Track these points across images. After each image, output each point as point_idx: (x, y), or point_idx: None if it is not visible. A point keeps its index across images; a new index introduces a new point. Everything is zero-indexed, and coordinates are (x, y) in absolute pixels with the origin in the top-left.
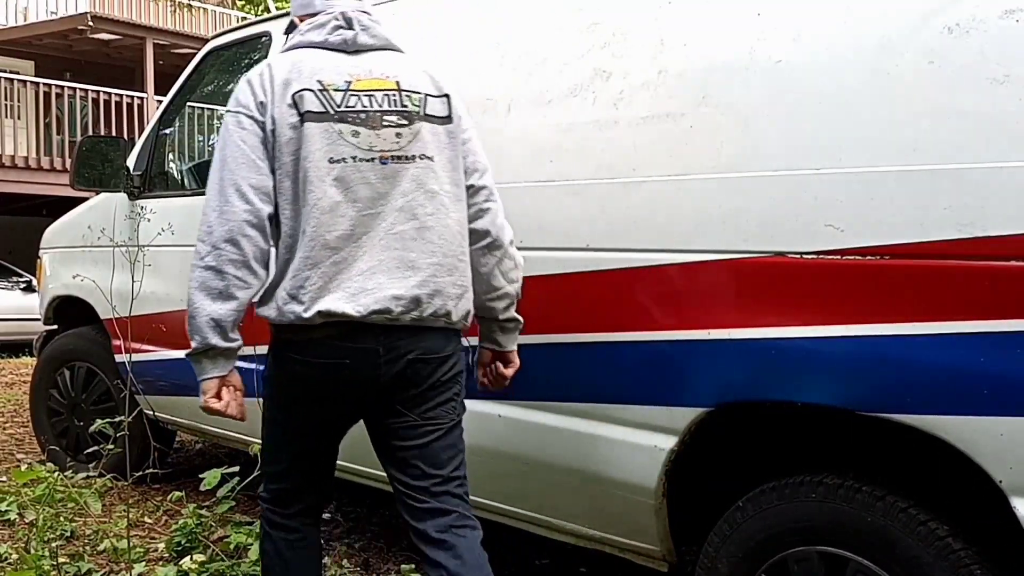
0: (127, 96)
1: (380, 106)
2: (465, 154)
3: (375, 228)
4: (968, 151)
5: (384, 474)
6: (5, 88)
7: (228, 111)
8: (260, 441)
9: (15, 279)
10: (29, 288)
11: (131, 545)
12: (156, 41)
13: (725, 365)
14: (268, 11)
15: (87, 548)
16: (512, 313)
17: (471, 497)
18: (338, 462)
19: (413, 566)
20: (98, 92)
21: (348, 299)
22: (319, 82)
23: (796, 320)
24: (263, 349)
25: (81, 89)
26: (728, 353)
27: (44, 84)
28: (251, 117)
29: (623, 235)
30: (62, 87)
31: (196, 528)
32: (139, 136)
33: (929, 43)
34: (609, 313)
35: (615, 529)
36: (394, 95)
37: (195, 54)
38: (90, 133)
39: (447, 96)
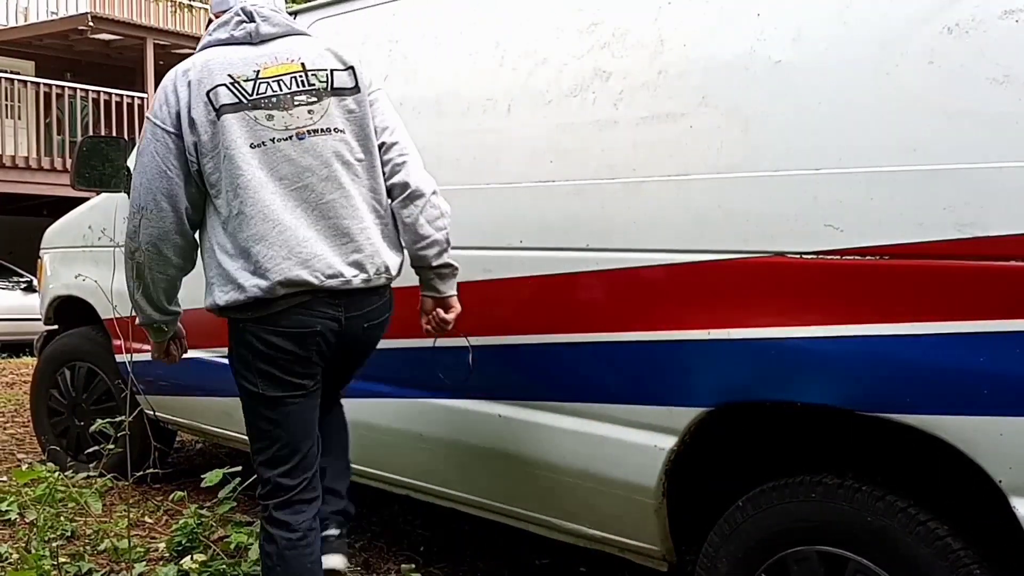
0: (128, 96)
1: (289, 88)
2: (374, 115)
3: (306, 200)
4: (968, 151)
5: (383, 473)
6: (6, 88)
7: (147, 117)
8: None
9: (16, 279)
10: (30, 288)
11: (132, 545)
12: (157, 41)
13: (725, 365)
14: None
15: (88, 548)
16: (445, 259)
17: (474, 497)
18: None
19: (413, 566)
20: (98, 92)
21: (302, 266)
22: (229, 76)
23: (796, 320)
24: None
25: (81, 89)
26: (728, 353)
27: (44, 84)
28: (163, 128)
29: (623, 235)
30: (62, 87)
31: (197, 528)
32: (139, 136)
33: (929, 43)
34: (609, 313)
35: (615, 529)
36: (300, 76)
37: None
38: (90, 133)
39: (352, 68)
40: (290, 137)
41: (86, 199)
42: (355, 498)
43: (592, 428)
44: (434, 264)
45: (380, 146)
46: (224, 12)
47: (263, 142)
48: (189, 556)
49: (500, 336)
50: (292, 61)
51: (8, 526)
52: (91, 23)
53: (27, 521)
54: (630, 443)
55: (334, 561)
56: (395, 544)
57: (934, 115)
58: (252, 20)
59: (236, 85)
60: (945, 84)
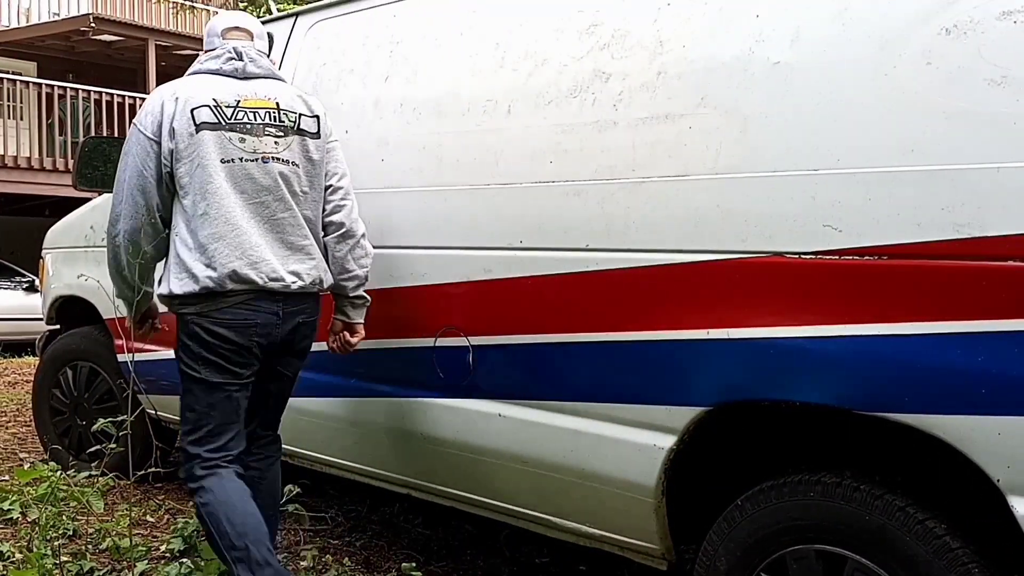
0: (129, 97)
1: (263, 120)
2: (328, 161)
3: (260, 214)
4: (966, 152)
5: (385, 472)
6: (8, 89)
7: (133, 123)
8: None
9: (18, 279)
10: (32, 288)
11: (133, 544)
12: (158, 42)
13: (724, 365)
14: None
15: (89, 547)
16: (360, 292)
17: (474, 496)
18: (337, 460)
19: (414, 564)
20: (100, 93)
21: (250, 267)
22: (213, 99)
23: (795, 320)
24: None
25: (83, 90)
26: (727, 353)
27: (47, 85)
28: (145, 135)
29: (622, 235)
30: (64, 88)
31: (198, 527)
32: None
33: (927, 44)
34: (609, 313)
35: (614, 528)
36: (274, 112)
37: (197, 55)
38: (92, 134)
39: (318, 117)
40: (256, 160)
41: (88, 199)
42: (356, 497)
43: (592, 427)
44: (351, 295)
45: (327, 188)
46: (214, 50)
47: (232, 159)
48: (190, 555)
49: (500, 336)
50: (269, 99)
51: (10, 525)
52: (93, 24)
53: (29, 520)
54: (630, 442)
55: None
56: (395, 543)
57: (932, 116)
58: (241, 59)
59: (218, 108)
60: (943, 85)
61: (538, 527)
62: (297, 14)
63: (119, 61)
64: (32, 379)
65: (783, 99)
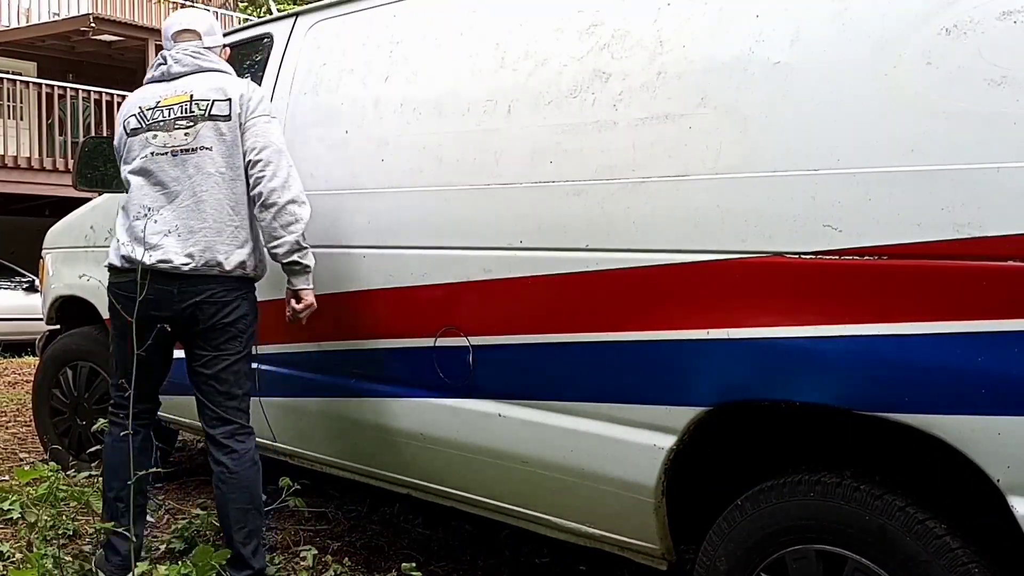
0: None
1: (175, 115)
2: (247, 139)
3: (170, 203)
4: (966, 152)
5: (385, 473)
6: (8, 89)
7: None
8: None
9: (18, 279)
10: (32, 288)
11: (132, 545)
12: (158, 42)
13: (724, 365)
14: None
15: (90, 547)
16: (294, 257)
17: (474, 496)
18: (337, 460)
19: (414, 564)
20: (100, 93)
21: (143, 252)
22: (140, 108)
23: (794, 320)
24: (267, 348)
25: (83, 90)
26: (727, 353)
27: (47, 85)
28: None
29: (622, 235)
30: (64, 88)
31: (200, 527)
32: None
33: (927, 44)
34: (608, 313)
35: (614, 528)
36: (186, 104)
37: None
38: (92, 134)
39: (230, 100)
40: (166, 153)
41: (88, 199)
42: (356, 497)
43: (592, 427)
44: (283, 261)
45: (248, 163)
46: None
47: (148, 154)
48: (190, 555)
49: (500, 336)
50: (184, 93)
51: (10, 525)
52: (93, 24)
53: (29, 520)
54: (629, 442)
55: None
56: (395, 543)
57: (932, 116)
58: (166, 63)
59: (141, 113)
60: (943, 85)
61: (538, 527)
62: (297, 14)
63: (119, 61)
64: (32, 379)
65: (783, 99)
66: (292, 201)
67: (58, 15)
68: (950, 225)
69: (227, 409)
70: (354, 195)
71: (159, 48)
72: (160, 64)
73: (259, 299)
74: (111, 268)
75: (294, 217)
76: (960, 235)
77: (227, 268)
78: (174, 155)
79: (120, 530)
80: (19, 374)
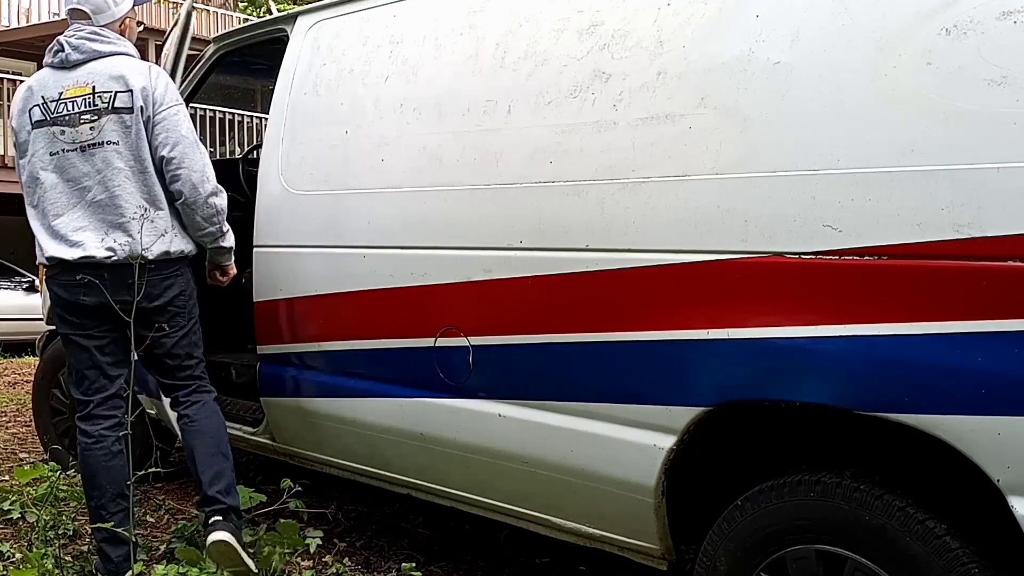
0: None
1: (79, 109)
2: (157, 134)
3: (83, 199)
4: (965, 152)
5: (385, 473)
6: (8, 89)
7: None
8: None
9: (17, 279)
10: (32, 288)
11: (132, 544)
12: (158, 42)
13: (724, 365)
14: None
15: (90, 547)
16: (219, 244)
17: (474, 496)
18: (337, 460)
19: (414, 564)
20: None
21: (66, 249)
22: (43, 98)
23: (794, 320)
24: (267, 348)
25: None
26: (727, 353)
27: None
28: (14, 129)
29: (622, 235)
30: None
31: (199, 527)
32: None
33: (927, 44)
34: (608, 313)
35: (615, 528)
36: (89, 98)
37: (197, 55)
38: None
39: (131, 91)
40: (75, 149)
41: None
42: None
43: (592, 427)
44: (210, 247)
45: (162, 159)
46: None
47: (58, 151)
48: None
49: (500, 336)
50: (86, 85)
51: (10, 525)
52: None
53: (29, 520)
54: (630, 442)
55: (218, 536)
56: (396, 543)
57: (932, 116)
58: (64, 50)
59: (45, 105)
60: (943, 85)
61: (538, 527)
62: (297, 14)
63: None
64: (32, 379)
65: (783, 99)
66: (212, 194)
67: (58, 15)
68: (950, 225)
69: (184, 377)
70: (354, 195)
71: (159, 48)
72: (58, 50)
73: (258, 300)
74: (44, 264)
75: (214, 209)
76: (960, 235)
77: (150, 259)
78: (82, 150)
79: (107, 535)
80: (19, 374)
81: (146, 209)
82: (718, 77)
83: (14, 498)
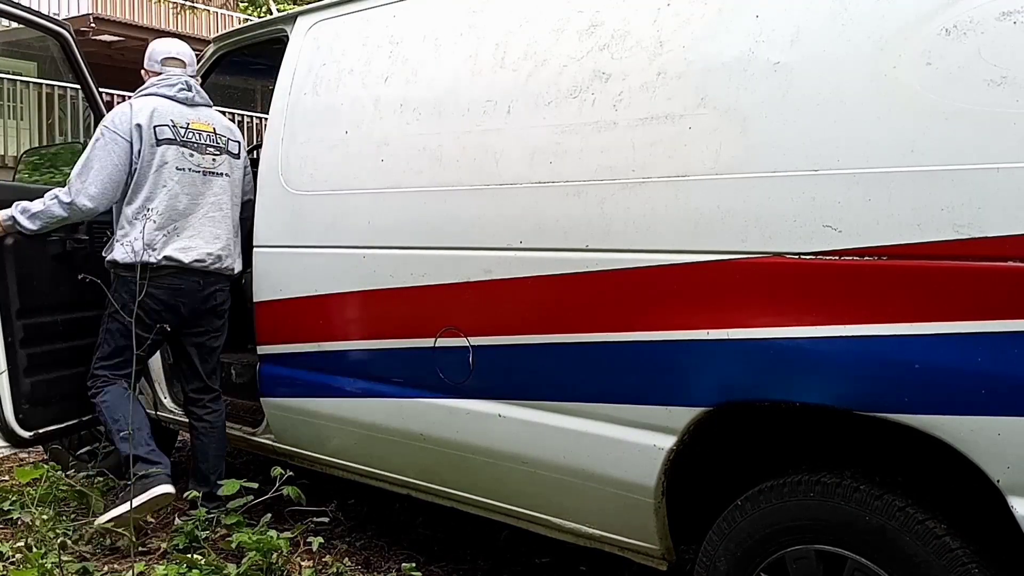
0: (129, 97)
1: (205, 141)
2: (246, 182)
3: (197, 212)
4: (965, 152)
5: (385, 473)
6: (8, 89)
7: (104, 126)
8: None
9: None
10: None
11: (133, 544)
12: None
13: (724, 365)
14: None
15: (89, 547)
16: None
17: (474, 496)
18: (338, 461)
19: (414, 564)
20: (100, 93)
21: (181, 252)
22: (172, 121)
23: (794, 320)
24: (268, 349)
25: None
26: (727, 353)
27: (47, 85)
28: (122, 136)
29: (622, 235)
30: (64, 88)
31: (199, 526)
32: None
33: (927, 44)
34: (608, 313)
35: (615, 528)
36: (212, 135)
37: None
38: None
39: (240, 143)
40: (199, 172)
41: None
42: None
43: (592, 428)
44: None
45: (244, 201)
46: (159, 74)
47: (184, 168)
48: (190, 555)
49: (500, 336)
50: (208, 124)
51: (10, 525)
52: (93, 24)
53: (29, 520)
54: (629, 443)
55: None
56: (396, 543)
57: (932, 116)
58: (191, 91)
59: (175, 128)
60: (943, 85)
61: (538, 527)
62: (297, 14)
63: (119, 61)
64: None
65: (783, 99)
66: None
67: (58, 15)
68: (950, 225)
69: (213, 379)
70: (354, 195)
71: None
72: (183, 88)
73: (258, 300)
74: (130, 266)
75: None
76: (960, 235)
77: (234, 272)
78: (204, 174)
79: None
80: None
81: (236, 234)
82: (718, 77)
83: (14, 498)
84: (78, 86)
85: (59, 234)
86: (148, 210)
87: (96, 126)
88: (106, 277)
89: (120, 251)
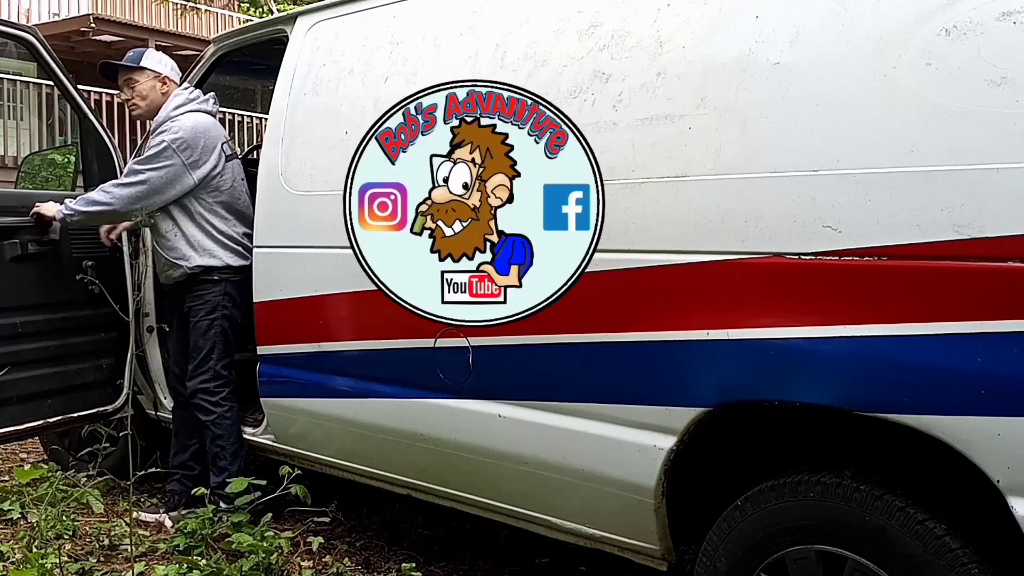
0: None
1: (232, 152)
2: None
3: (245, 212)
4: (965, 153)
5: (385, 473)
6: (8, 89)
7: (170, 142)
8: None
9: None
10: None
11: (133, 544)
12: (158, 43)
13: (724, 365)
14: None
15: (89, 547)
16: None
17: (474, 497)
18: (338, 461)
19: (414, 564)
20: (100, 93)
21: (250, 252)
22: (224, 137)
23: (794, 321)
24: (268, 349)
25: (83, 90)
26: (727, 353)
27: (47, 85)
28: (189, 149)
29: (622, 235)
30: None
31: (198, 526)
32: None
33: (927, 45)
34: (608, 314)
35: (615, 528)
36: (231, 144)
37: (197, 56)
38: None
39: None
40: (241, 179)
41: None
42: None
43: (592, 428)
44: None
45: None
46: (187, 90)
47: (240, 179)
48: (190, 555)
49: (500, 336)
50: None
51: (10, 526)
52: (93, 24)
53: (29, 520)
54: (629, 443)
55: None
56: (396, 543)
57: (932, 116)
58: (217, 105)
59: (228, 144)
60: (943, 85)
61: (538, 528)
62: (297, 15)
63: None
64: None
65: (783, 99)
66: None
67: (58, 15)
68: (950, 226)
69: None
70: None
71: (159, 49)
72: (215, 103)
73: (258, 300)
74: (222, 269)
75: None
76: (960, 236)
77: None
78: (241, 179)
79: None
80: None
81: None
82: (718, 77)
83: (14, 498)
84: (69, 87)
85: (20, 236)
86: (223, 215)
87: (81, 125)
88: (105, 277)
89: (207, 257)
